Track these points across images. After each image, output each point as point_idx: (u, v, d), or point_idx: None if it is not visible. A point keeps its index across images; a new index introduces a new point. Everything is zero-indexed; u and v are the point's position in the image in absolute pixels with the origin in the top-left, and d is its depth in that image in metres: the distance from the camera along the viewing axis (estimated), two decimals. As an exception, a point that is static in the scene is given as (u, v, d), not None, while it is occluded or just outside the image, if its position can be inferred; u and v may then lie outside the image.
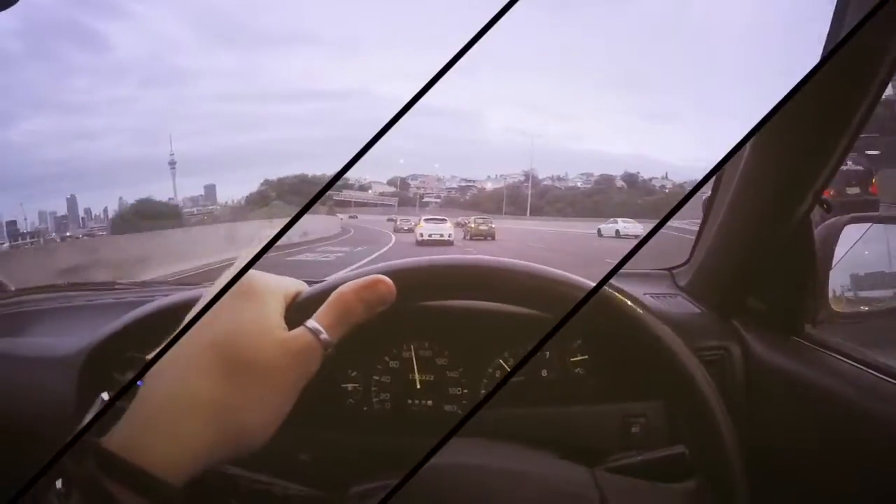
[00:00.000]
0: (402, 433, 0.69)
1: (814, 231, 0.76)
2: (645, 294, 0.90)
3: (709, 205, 0.84)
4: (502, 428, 0.66)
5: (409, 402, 0.75)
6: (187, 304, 0.76)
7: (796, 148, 0.65)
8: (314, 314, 0.37)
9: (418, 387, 0.75)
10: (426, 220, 18.94)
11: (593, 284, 0.55)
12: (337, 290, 0.38)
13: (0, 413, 0.83)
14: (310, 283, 0.46)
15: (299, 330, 0.36)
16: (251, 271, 0.39)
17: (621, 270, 1.04)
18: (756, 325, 0.80)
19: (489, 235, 18.42)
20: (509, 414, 0.68)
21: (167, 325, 0.78)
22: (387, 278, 0.39)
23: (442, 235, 16.17)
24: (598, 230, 22.45)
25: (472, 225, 20.17)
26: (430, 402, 0.75)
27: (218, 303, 0.37)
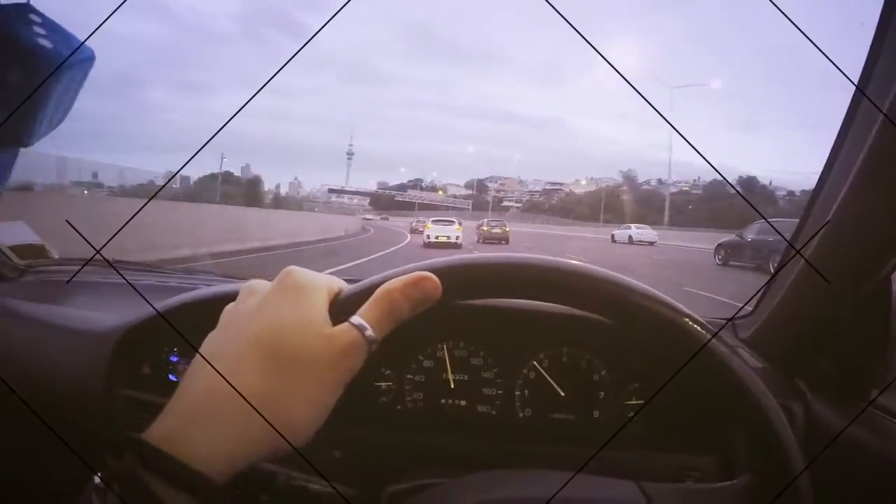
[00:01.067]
0: (435, 433, 0.68)
1: (892, 294, 0.72)
2: None
3: (783, 258, 0.80)
4: (544, 465, 0.62)
5: (443, 401, 0.73)
6: (226, 298, 0.76)
7: (884, 207, 0.61)
8: (359, 311, 0.36)
9: (452, 386, 0.73)
10: (433, 221, 18.48)
11: (658, 294, 0.49)
12: (382, 287, 0.37)
13: (31, 377, 0.84)
14: (349, 281, 0.44)
15: (344, 326, 0.35)
16: (293, 268, 0.38)
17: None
18: (821, 386, 0.75)
19: (502, 239, 18.22)
20: (554, 452, 0.66)
21: (207, 317, 0.78)
22: (433, 275, 0.38)
23: (449, 238, 15.83)
24: (612, 236, 23.13)
25: (485, 228, 19.93)
26: (463, 403, 0.73)
27: (263, 297, 0.36)
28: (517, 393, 0.73)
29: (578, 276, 0.46)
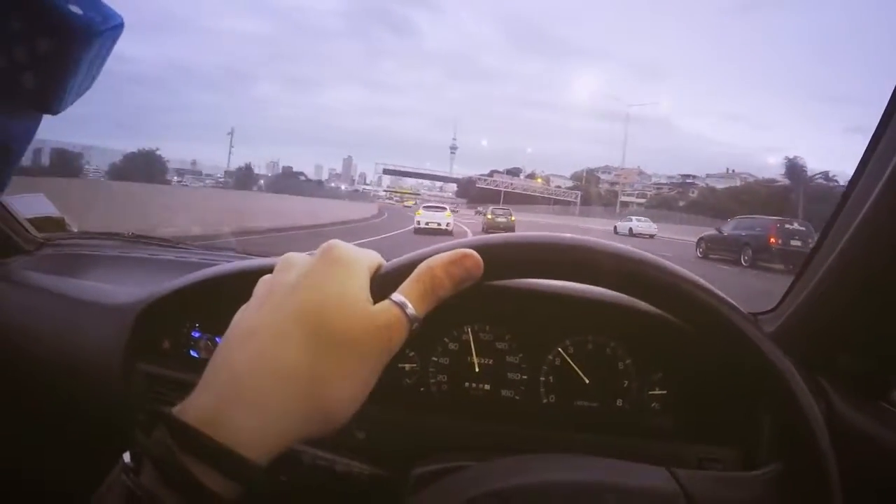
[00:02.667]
0: (459, 416, 0.68)
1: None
2: None
3: (811, 255, 0.79)
4: (567, 451, 0.63)
5: (467, 385, 0.73)
6: (250, 274, 0.76)
7: None
8: (399, 287, 0.35)
9: (477, 370, 0.72)
10: (425, 207, 18.77)
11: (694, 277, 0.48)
12: (424, 264, 0.36)
13: (49, 350, 0.84)
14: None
15: (385, 303, 0.34)
16: (336, 241, 0.36)
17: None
18: (844, 384, 0.74)
19: (507, 229, 17.19)
20: (577, 439, 0.65)
21: (227, 294, 0.77)
22: (475, 253, 0.37)
23: (440, 224, 15.97)
24: (615, 227, 23.60)
25: (489, 216, 19.57)
26: (487, 387, 0.73)
27: (305, 270, 0.35)
28: (542, 379, 0.72)
29: (617, 257, 0.45)
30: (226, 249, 1.10)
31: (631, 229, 22.36)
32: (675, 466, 0.62)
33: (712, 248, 12.74)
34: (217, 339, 0.75)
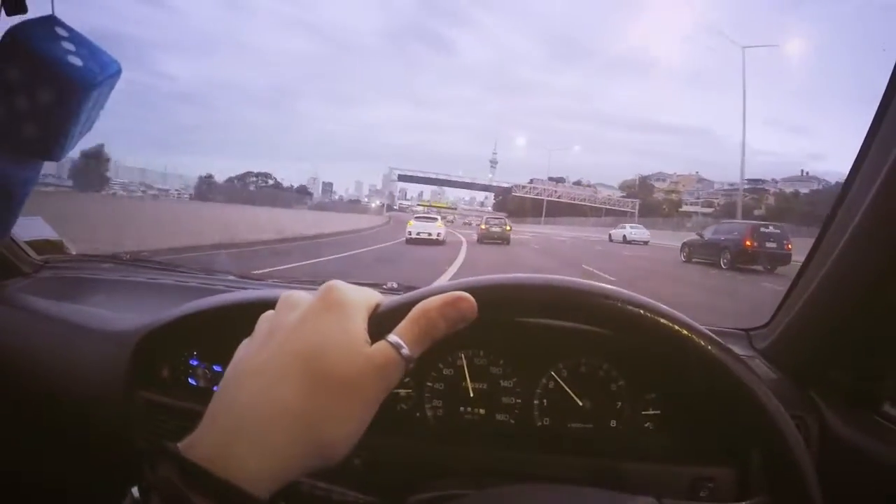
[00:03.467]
0: (454, 441, 0.69)
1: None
2: None
3: (802, 268, 0.80)
4: (563, 475, 0.63)
5: (462, 409, 0.74)
6: (251, 305, 0.77)
7: None
8: (395, 329, 0.37)
9: (471, 395, 0.74)
10: (416, 218, 18.88)
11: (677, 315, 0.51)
12: (419, 306, 0.38)
13: (47, 375, 0.84)
14: (385, 292, 0.45)
15: (381, 344, 0.36)
16: (335, 283, 0.38)
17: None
18: (835, 397, 0.75)
19: (502, 239, 17.49)
20: (572, 462, 0.66)
21: (224, 324, 0.78)
22: (469, 296, 0.38)
23: (430, 234, 16.18)
24: (609, 235, 24.71)
25: (483, 225, 19.38)
26: (482, 411, 0.74)
27: (304, 313, 0.36)
28: (536, 402, 0.73)
29: (603, 297, 0.47)
30: (224, 273, 1.10)
31: (625, 236, 23.34)
32: (669, 487, 0.63)
33: (695, 253, 13.23)
34: (215, 367, 0.76)
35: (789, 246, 11.29)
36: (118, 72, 0.52)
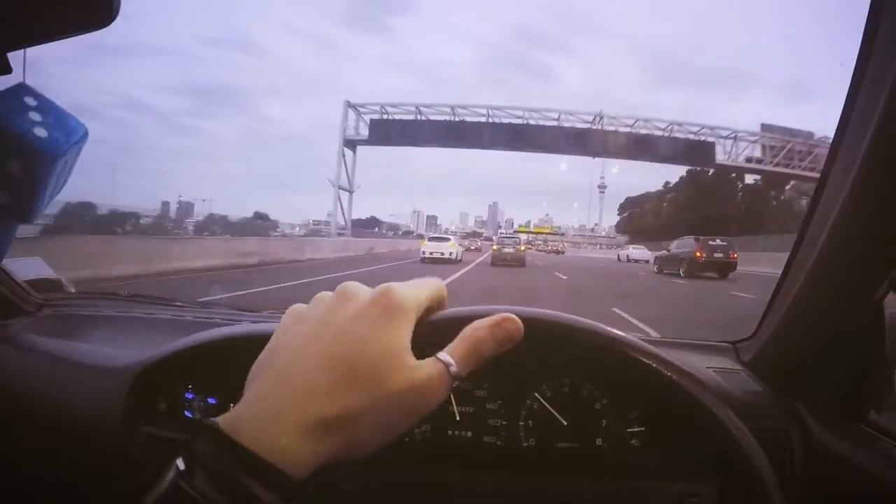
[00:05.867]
0: (443, 464, 0.70)
1: (885, 316, 0.73)
2: (707, 367, 0.87)
3: (780, 282, 0.81)
4: (550, 496, 0.64)
5: (449, 433, 0.75)
6: (248, 338, 0.79)
7: (877, 230, 0.63)
8: (447, 347, 0.38)
9: (458, 418, 0.75)
10: (430, 239, 19.54)
11: (649, 349, 0.56)
12: (470, 326, 0.39)
13: (49, 412, 0.86)
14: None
15: (430, 360, 0.37)
16: (392, 285, 0.39)
17: (685, 340, 1.02)
18: (819, 408, 0.76)
19: (516, 261, 17.35)
20: (559, 482, 0.67)
21: (221, 357, 0.80)
22: (516, 318, 0.40)
23: (443, 254, 16.92)
24: (618, 255, 27.54)
25: (496, 247, 19.16)
26: (469, 434, 0.75)
27: (356, 312, 0.37)
28: (521, 423, 0.74)
29: (587, 332, 0.52)
30: (219, 307, 1.13)
31: (628, 256, 25.60)
32: (655, 503, 0.64)
33: (664, 265, 15.41)
34: (210, 399, 0.78)
35: (734, 255, 13.34)
36: (84, 136, 0.55)
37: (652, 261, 16.37)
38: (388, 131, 45.04)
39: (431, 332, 0.39)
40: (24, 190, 0.52)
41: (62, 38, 0.51)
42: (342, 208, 44.98)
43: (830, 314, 0.72)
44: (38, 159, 0.50)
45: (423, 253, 17.26)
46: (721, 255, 13.28)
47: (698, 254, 13.46)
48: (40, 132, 0.50)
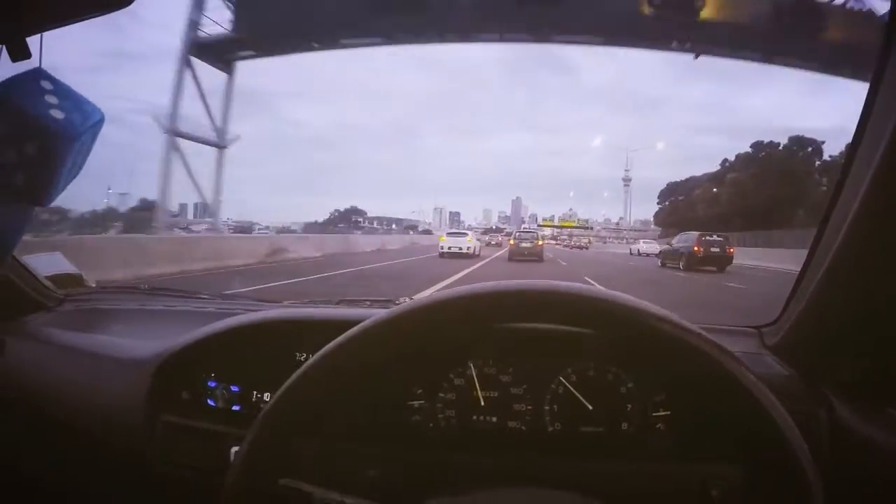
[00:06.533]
0: (468, 449, 0.70)
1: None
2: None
3: (805, 266, 0.80)
4: (577, 480, 0.64)
5: (474, 418, 0.75)
6: (269, 324, 0.79)
7: None
8: None
9: (482, 403, 0.75)
10: (448, 234, 20.06)
11: (671, 315, 0.54)
12: None
13: (72, 405, 0.87)
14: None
15: None
16: None
17: (707, 325, 1.00)
18: (846, 392, 0.75)
19: (533, 255, 17.17)
20: (584, 467, 0.67)
21: (242, 345, 0.81)
22: None
23: (461, 248, 17.31)
24: (630, 250, 28.45)
25: (513, 241, 18.96)
26: (494, 419, 0.75)
27: None
28: (546, 408, 0.74)
29: (578, 298, 0.53)
30: (241, 298, 1.13)
31: (639, 250, 26.60)
32: (680, 486, 0.64)
33: (666, 259, 15.83)
34: (232, 387, 0.78)
35: (731, 250, 14.11)
36: (101, 120, 0.56)
37: (657, 255, 17.13)
38: (272, 21, 25.43)
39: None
40: (40, 172, 0.52)
41: (81, 20, 0.51)
42: (193, 179, 24.92)
43: (858, 298, 0.71)
44: (55, 141, 0.51)
45: (442, 248, 17.48)
46: (717, 250, 13.75)
47: (696, 248, 13.90)
48: (57, 114, 0.51)
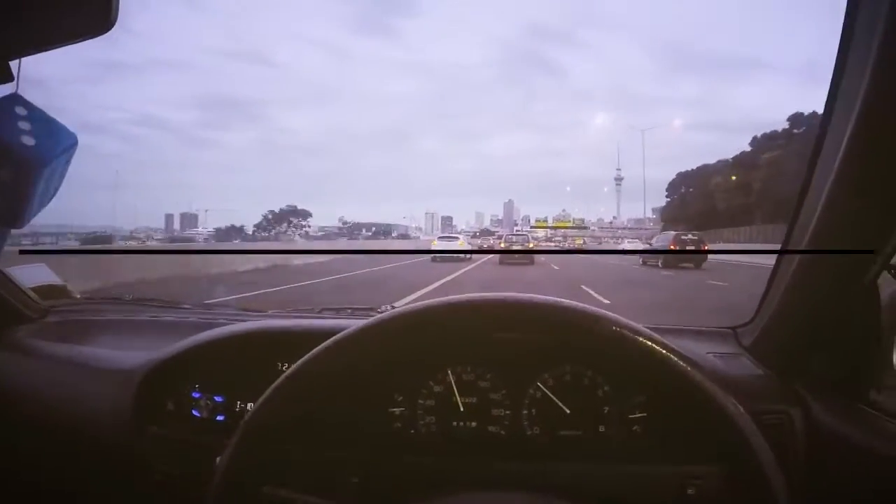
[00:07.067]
0: (448, 454, 0.70)
1: (881, 297, 0.74)
2: (708, 353, 0.88)
3: (776, 266, 0.82)
4: (555, 483, 0.65)
5: (454, 424, 0.76)
6: (252, 335, 0.80)
7: (867, 211, 0.64)
8: None
9: (462, 409, 0.76)
10: (439, 238, 20.78)
11: (638, 327, 0.58)
12: None
13: (55, 417, 0.87)
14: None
15: None
16: None
17: (684, 326, 1.03)
18: (819, 389, 0.77)
19: (525, 259, 17.37)
20: (563, 469, 0.68)
21: (225, 356, 0.82)
22: None
23: (453, 252, 18.01)
24: (623, 249, 29.18)
25: (503, 244, 19.75)
26: (473, 424, 0.76)
27: None
28: (525, 412, 0.75)
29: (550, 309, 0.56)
30: (225, 308, 1.14)
31: (625, 249, 27.57)
32: (658, 487, 0.65)
33: (646, 258, 16.71)
34: (216, 397, 0.79)
35: (705, 247, 15.30)
36: (73, 144, 0.57)
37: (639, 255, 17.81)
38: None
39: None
40: (14, 196, 0.53)
41: (62, 46, 0.52)
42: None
43: (826, 297, 0.73)
44: (27, 166, 0.52)
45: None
46: (693, 247, 14.83)
47: (672, 247, 15.00)
48: (28, 140, 0.52)
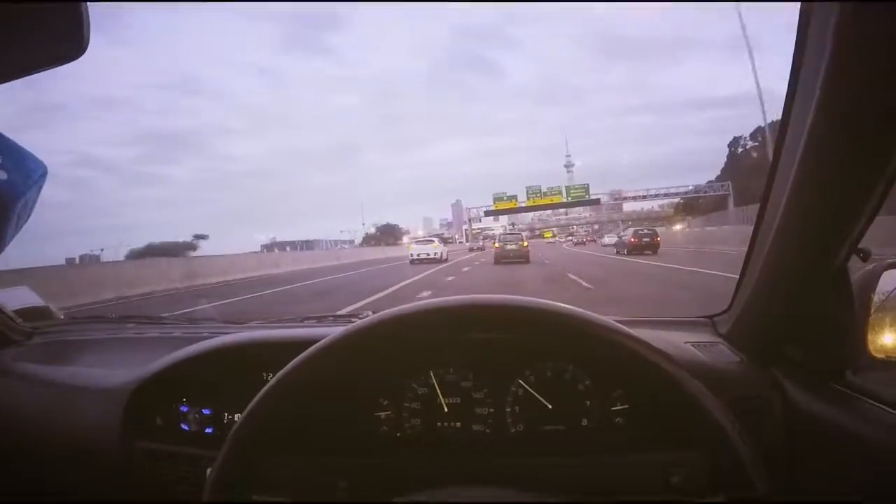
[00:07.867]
0: (435, 455, 0.72)
1: (851, 279, 0.76)
2: (686, 342, 0.90)
3: (748, 254, 0.84)
4: (540, 477, 0.66)
5: (439, 424, 0.77)
6: (236, 347, 0.81)
7: (833, 199, 0.65)
8: None
9: (446, 410, 0.77)
10: (416, 242, 21.59)
11: (614, 325, 0.60)
12: None
13: (45, 439, 0.87)
14: None
15: None
16: None
17: (662, 318, 1.05)
18: (795, 373, 0.79)
19: (519, 257, 17.01)
20: (547, 463, 0.69)
21: (212, 369, 0.82)
22: None
23: (428, 255, 18.73)
24: (602, 244, 31.70)
25: (497, 244, 19.00)
26: (458, 424, 0.77)
27: None
28: (508, 410, 0.76)
29: (534, 311, 0.57)
30: (207, 320, 1.14)
31: (604, 243, 29.76)
32: (642, 476, 0.66)
33: (619, 248, 20.25)
34: (204, 410, 0.79)
35: (657, 239, 18.71)
36: (43, 175, 0.57)
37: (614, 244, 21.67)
38: None
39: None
40: None
41: (33, 73, 0.52)
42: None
43: (798, 283, 0.75)
44: (1, 203, 0.52)
45: (412, 256, 18.65)
46: (648, 239, 18.60)
47: (632, 240, 18.75)
48: (0, 175, 0.52)
